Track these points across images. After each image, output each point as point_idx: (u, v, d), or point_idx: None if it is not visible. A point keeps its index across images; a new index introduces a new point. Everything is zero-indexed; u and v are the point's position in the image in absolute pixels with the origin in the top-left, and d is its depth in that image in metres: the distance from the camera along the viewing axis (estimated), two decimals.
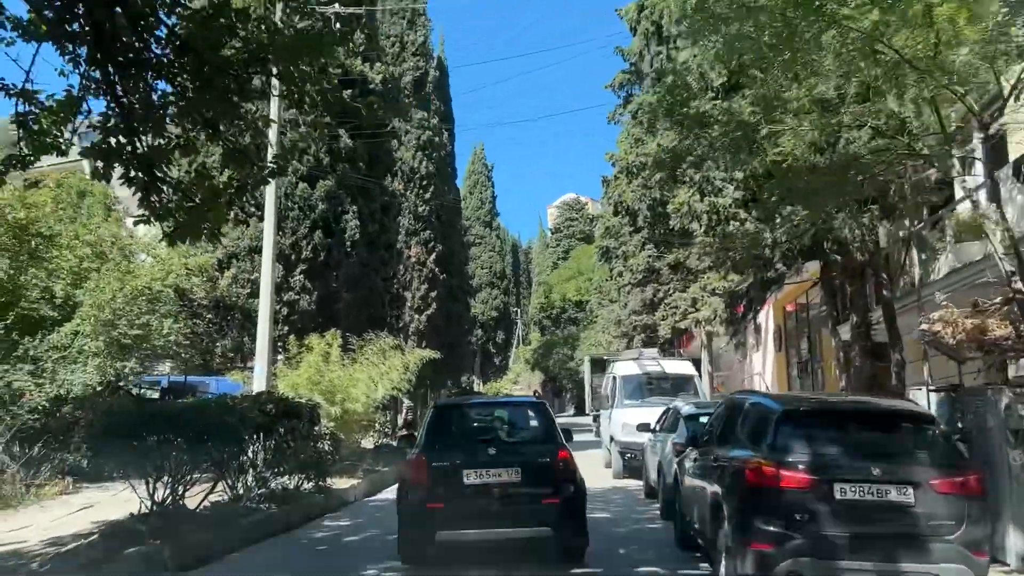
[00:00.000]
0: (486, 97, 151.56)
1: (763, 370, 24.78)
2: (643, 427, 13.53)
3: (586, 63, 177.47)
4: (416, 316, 28.85)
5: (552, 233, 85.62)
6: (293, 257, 16.96)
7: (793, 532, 6.00)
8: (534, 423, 8.65)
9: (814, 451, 6.24)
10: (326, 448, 13.31)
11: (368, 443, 20.47)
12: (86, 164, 25.22)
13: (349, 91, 17.26)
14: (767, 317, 24.53)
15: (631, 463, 15.98)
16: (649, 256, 27.35)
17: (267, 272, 15.27)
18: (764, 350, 24.45)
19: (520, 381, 76.80)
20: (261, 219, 15.23)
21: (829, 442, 6.38)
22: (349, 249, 17.23)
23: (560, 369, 69.97)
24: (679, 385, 17.62)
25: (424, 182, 29.79)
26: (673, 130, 9.98)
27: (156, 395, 16.15)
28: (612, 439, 16.80)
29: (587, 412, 33.86)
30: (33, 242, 14.27)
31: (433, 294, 29.53)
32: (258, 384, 15.11)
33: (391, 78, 17.84)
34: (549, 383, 73.20)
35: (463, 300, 35.10)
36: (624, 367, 17.70)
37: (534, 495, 7.82)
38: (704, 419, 10.65)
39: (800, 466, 6.10)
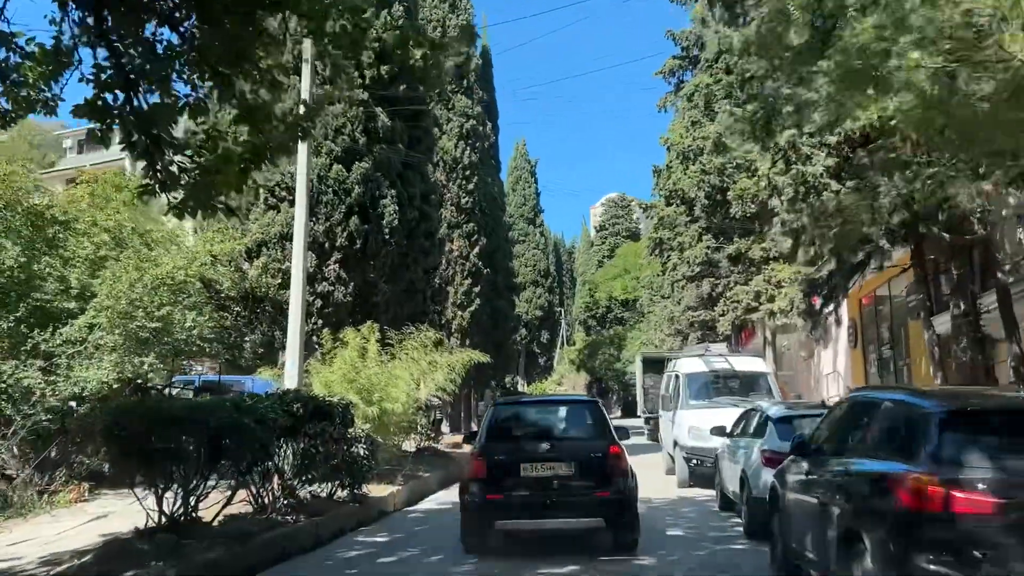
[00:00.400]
0: (528, 97, 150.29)
1: (835, 369, 22.82)
2: (718, 431, 11.93)
3: (629, 72, 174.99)
4: (459, 312, 27.54)
5: (597, 231, 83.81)
6: (327, 245, 15.72)
7: (971, 573, 4.43)
8: (588, 420, 8.96)
9: (995, 464, 4.64)
10: (361, 452, 11.99)
11: (409, 445, 19.17)
12: (127, 161, 24.37)
13: (386, 67, 16.03)
14: (839, 311, 22.54)
15: (699, 470, 14.36)
16: (707, 247, 25.59)
17: (299, 260, 14.04)
18: (835, 347, 22.50)
19: (564, 382, 75.33)
20: (292, 203, 14.01)
21: (1011, 452, 4.76)
22: (387, 236, 15.92)
23: (606, 370, 68.26)
24: (750, 384, 15.92)
25: (467, 172, 28.47)
26: (764, 76, 8.33)
27: (190, 395, 15.11)
28: (676, 444, 15.19)
29: (638, 414, 32.17)
30: (50, 230, 13.26)
31: (476, 289, 28.19)
32: (289, 382, 13.89)
33: (433, 48, 16.81)
34: (594, 384, 71.50)
35: (507, 297, 33.70)
36: (689, 364, 16.06)
37: (587, 488, 8.17)
38: (801, 422, 9.03)
39: (980, 485, 4.51)
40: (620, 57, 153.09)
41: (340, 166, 15.66)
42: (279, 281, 15.01)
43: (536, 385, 64.90)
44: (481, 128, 29.69)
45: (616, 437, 8.59)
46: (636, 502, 8.52)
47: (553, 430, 9.05)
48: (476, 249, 28.42)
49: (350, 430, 11.78)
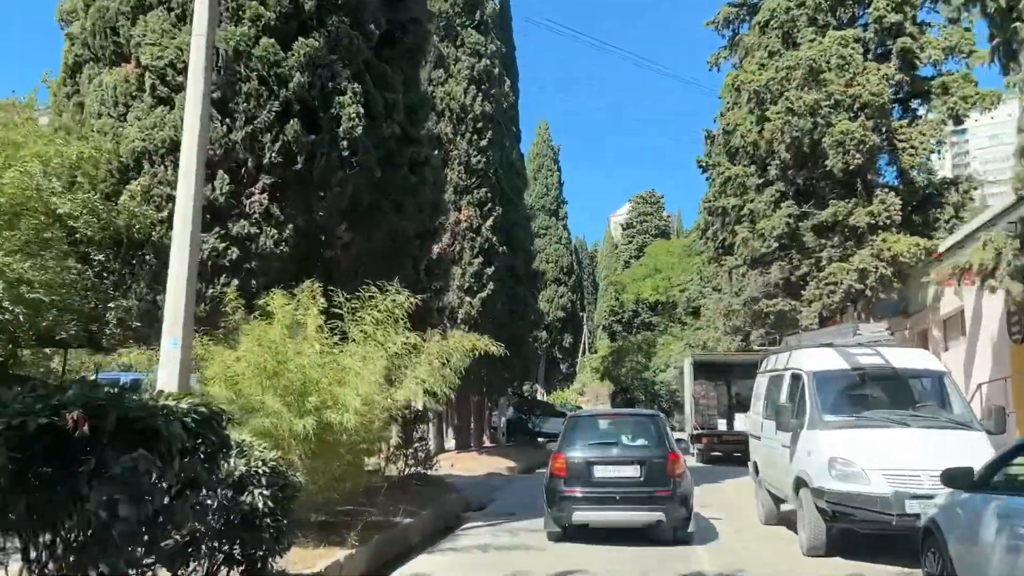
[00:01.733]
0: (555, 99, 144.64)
1: (972, 372, 16.71)
2: (955, 477, 6.11)
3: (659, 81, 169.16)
4: (466, 299, 21.78)
5: (624, 229, 77.87)
6: (249, 162, 9.96)
7: None
8: (651, 430, 10.40)
9: None
10: (260, 504, 6.28)
11: (391, 470, 13.49)
12: None
13: None
14: (970, 297, 16.51)
15: (855, 529, 8.55)
16: (789, 216, 19.68)
17: (189, 176, 8.39)
18: (974, 342, 16.46)
19: (587, 391, 69.70)
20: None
21: None
22: (347, 154, 10.19)
23: (633, 379, 62.36)
24: (913, 390, 10.03)
25: (479, 125, 22.79)
26: None
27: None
28: (802, 484, 9.33)
29: (686, 431, 26.26)
30: None
31: (490, 271, 22.42)
32: (166, 372, 8.23)
33: None
34: (619, 394, 65.56)
35: (529, 286, 27.89)
36: (816, 359, 10.11)
37: (649, 487, 9.54)
38: None
39: None
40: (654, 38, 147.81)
41: (272, 40, 9.98)
42: (165, 215, 9.34)
43: (557, 395, 58.98)
44: (497, 73, 23.99)
45: (675, 446, 10.23)
46: (691, 499, 9.90)
47: (622, 438, 10.46)
48: (490, 221, 22.69)
49: (228, 461, 6.11)
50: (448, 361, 10.54)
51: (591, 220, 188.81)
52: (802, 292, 19.15)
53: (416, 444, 14.66)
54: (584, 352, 72.82)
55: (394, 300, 9.16)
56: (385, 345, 9.09)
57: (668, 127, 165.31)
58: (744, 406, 28.65)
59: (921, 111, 19.83)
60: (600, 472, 9.72)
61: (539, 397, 52.55)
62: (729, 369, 27.73)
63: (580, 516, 9.68)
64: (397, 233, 12.22)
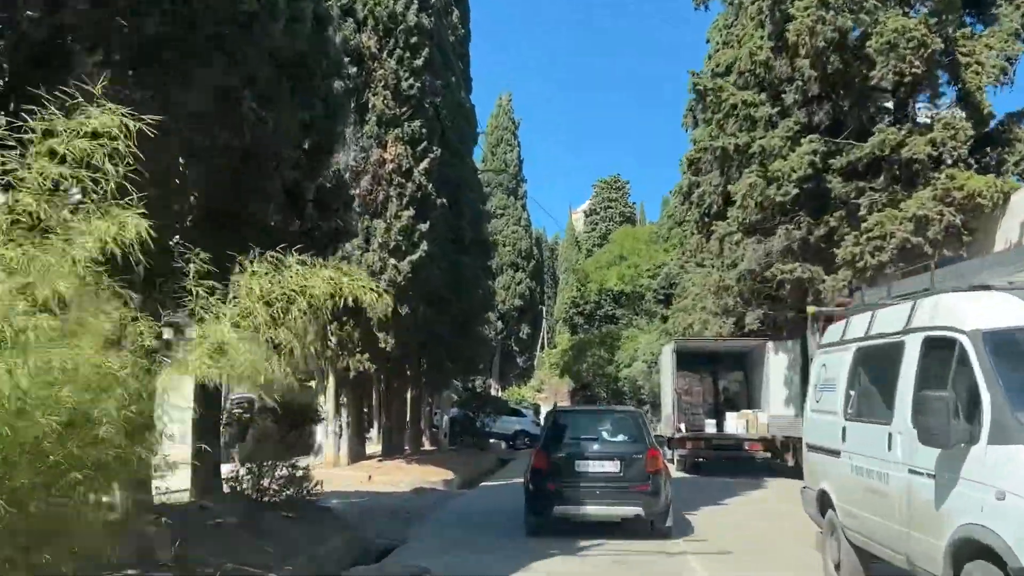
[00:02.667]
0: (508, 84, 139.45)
1: None
2: None
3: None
4: (391, 260, 16.63)
5: (587, 216, 73.21)
6: None
7: None
8: (630, 426, 10.53)
9: None
10: None
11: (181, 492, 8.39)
12: None
13: None
14: None
15: None
16: (813, 152, 14.95)
17: None
18: None
19: (545, 388, 65.15)
20: None
21: None
22: None
23: (595, 375, 57.83)
24: None
25: (412, 39, 17.64)
26: None
27: None
28: (983, 555, 4.46)
29: (665, 433, 21.50)
30: None
31: (424, 227, 17.30)
32: None
33: None
34: (580, 391, 61.07)
35: (479, 258, 22.85)
36: (987, 310, 5.19)
37: (629, 482, 9.72)
38: None
39: None
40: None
41: None
42: None
43: (513, 391, 54.07)
44: None
45: (654, 442, 10.65)
46: (669, 494, 9.92)
47: (602, 433, 10.49)
48: (425, 164, 17.58)
49: None
50: (286, 314, 5.50)
51: (553, 213, 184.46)
52: (833, 253, 14.45)
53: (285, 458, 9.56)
54: (543, 347, 68.11)
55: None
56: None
57: (632, 114, 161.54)
58: (733, 403, 24.10)
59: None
60: (581, 467, 9.87)
61: (494, 393, 47.61)
62: (718, 358, 23.06)
63: (561, 510, 9.83)
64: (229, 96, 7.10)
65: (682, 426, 20.77)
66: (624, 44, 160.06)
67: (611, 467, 9.82)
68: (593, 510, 9.78)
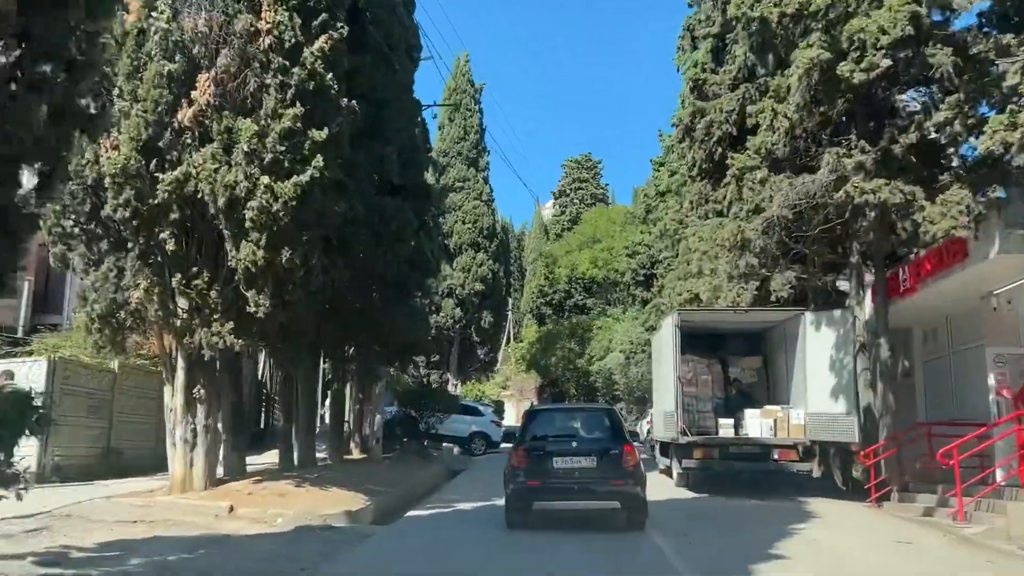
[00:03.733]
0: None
1: None
2: None
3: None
4: (263, 179, 10.84)
5: (556, 197, 67.66)
6: None
7: None
8: (606, 423, 10.81)
9: None
10: None
11: None
12: None
13: None
14: None
15: None
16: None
17: None
18: None
19: (510, 385, 59.81)
20: None
21: None
22: None
23: (564, 369, 52.54)
24: None
25: None
26: None
27: None
28: None
29: (662, 436, 15.49)
30: None
31: (319, 134, 11.51)
32: None
33: None
34: (548, 387, 55.78)
35: (415, 204, 17.10)
36: None
37: (605, 477, 10.00)
38: None
39: None
40: None
41: None
42: None
43: (473, 386, 48.44)
44: None
45: (629, 438, 10.87)
46: (645, 489, 10.24)
47: (579, 431, 10.86)
48: (321, 43, 11.78)
49: None
50: None
51: (521, 207, 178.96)
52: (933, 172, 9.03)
53: None
54: (508, 341, 62.59)
55: None
56: None
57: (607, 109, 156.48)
58: (748, 397, 18.64)
59: None
60: (559, 463, 10.02)
61: (451, 389, 41.92)
62: (732, 337, 17.63)
63: (540, 506, 10.39)
64: None
65: (688, 428, 15.31)
66: (624, 44, 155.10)
67: (588, 463, 10.04)
68: (570, 505, 10.54)
